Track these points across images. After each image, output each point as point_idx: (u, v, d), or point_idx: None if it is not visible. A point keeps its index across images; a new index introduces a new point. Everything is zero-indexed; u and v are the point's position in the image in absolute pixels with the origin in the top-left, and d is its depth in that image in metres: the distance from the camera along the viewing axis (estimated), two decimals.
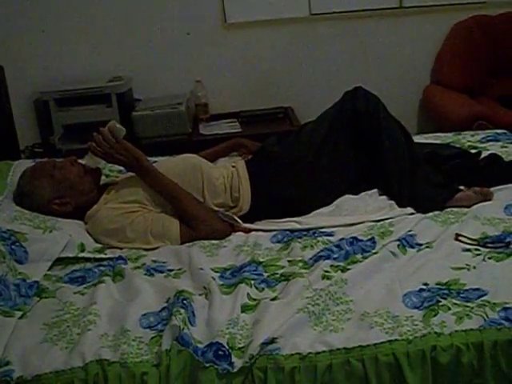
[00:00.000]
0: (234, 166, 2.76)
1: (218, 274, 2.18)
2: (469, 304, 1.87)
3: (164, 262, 2.29)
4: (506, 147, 3.06)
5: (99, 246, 2.45)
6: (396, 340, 1.76)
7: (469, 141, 3.18)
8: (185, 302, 1.95)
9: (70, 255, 2.33)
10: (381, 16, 4.47)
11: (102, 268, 2.27)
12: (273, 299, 1.99)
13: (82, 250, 2.38)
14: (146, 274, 2.21)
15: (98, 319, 1.93)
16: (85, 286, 2.18)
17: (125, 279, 2.18)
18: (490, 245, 2.18)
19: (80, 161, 2.69)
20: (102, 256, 2.36)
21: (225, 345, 1.79)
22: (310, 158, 2.69)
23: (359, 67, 4.51)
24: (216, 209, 2.59)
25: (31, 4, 4.21)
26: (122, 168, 2.87)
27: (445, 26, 4.51)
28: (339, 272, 2.09)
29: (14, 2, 4.20)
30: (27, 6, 4.21)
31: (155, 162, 2.78)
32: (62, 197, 2.55)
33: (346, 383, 1.73)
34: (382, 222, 2.43)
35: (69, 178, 2.59)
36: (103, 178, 2.86)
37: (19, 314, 1.99)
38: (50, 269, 2.26)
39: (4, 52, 3.96)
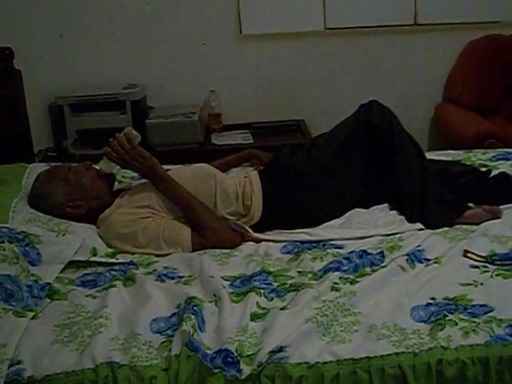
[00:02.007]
0: (246, 176, 2.79)
1: (229, 283, 2.20)
2: (475, 319, 1.89)
3: (175, 269, 2.31)
4: None
5: (111, 250, 2.48)
6: (402, 352, 1.78)
7: (479, 159, 3.19)
8: (195, 308, 1.97)
9: (82, 259, 2.36)
10: (395, 32, 4.49)
11: (113, 272, 2.29)
12: (282, 309, 2.01)
13: (94, 255, 2.40)
14: (157, 280, 2.23)
15: (109, 322, 1.95)
16: (96, 289, 2.20)
17: (136, 284, 2.21)
18: (497, 262, 2.20)
19: (94, 166, 2.72)
20: (114, 261, 2.39)
21: (233, 352, 1.82)
22: (322, 170, 2.72)
23: (372, 82, 4.53)
24: (228, 217, 2.61)
25: (50, 9, 4.26)
26: (135, 174, 2.91)
27: (458, 45, 4.53)
28: (348, 284, 2.12)
29: (33, 6, 4.24)
30: (45, 10, 4.26)
31: (168, 169, 2.80)
32: (76, 200, 2.59)
33: None
34: (391, 237, 2.45)
35: (83, 182, 2.62)
36: (116, 183, 2.90)
37: (31, 314, 2.01)
38: (62, 271, 2.28)
39: (22, 56, 4.01)
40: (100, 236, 2.55)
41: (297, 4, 4.37)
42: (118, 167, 2.71)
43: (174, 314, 2.01)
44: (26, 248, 2.25)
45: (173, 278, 2.25)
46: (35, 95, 4.27)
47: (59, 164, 2.92)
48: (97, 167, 2.71)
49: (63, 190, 2.59)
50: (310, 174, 2.72)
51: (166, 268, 2.32)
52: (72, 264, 2.34)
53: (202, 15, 4.36)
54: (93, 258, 2.38)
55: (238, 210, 2.66)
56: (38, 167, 2.99)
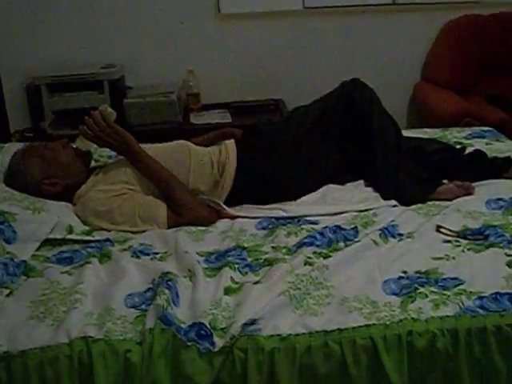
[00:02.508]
0: (223, 146, 2.77)
1: (203, 258, 2.21)
2: (446, 292, 1.92)
3: (150, 245, 2.32)
4: (490, 144, 3.12)
5: (87, 228, 2.47)
6: (374, 324, 1.81)
7: (455, 137, 3.23)
8: (169, 283, 1.99)
9: (58, 237, 2.36)
10: (374, 12, 4.50)
11: (89, 249, 2.31)
12: (255, 283, 2.03)
13: (70, 232, 2.40)
14: (132, 256, 2.24)
15: (84, 298, 1.97)
16: (72, 266, 2.21)
17: (111, 261, 2.22)
18: (470, 237, 2.23)
19: (71, 144, 2.72)
20: (90, 238, 2.39)
21: (207, 325, 1.83)
22: (299, 142, 2.72)
23: (351, 62, 4.54)
24: (202, 190, 2.62)
25: None
26: (112, 153, 2.90)
27: (437, 24, 4.54)
28: (321, 259, 2.14)
29: None
30: None
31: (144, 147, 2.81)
32: (52, 177, 2.58)
33: (324, 365, 1.78)
34: (365, 213, 2.47)
35: (59, 159, 2.62)
36: (94, 162, 2.90)
37: (6, 291, 2.02)
38: (37, 249, 2.29)
39: None
40: (76, 214, 2.54)
41: None
42: (95, 145, 2.70)
43: (148, 289, 2.02)
44: (1, 226, 2.24)
45: (148, 255, 2.26)
46: (12, 76, 4.24)
47: (36, 142, 2.91)
48: (74, 145, 2.71)
49: (40, 168, 2.59)
50: (285, 143, 2.72)
51: (141, 244, 2.33)
52: (48, 242, 2.34)
53: None
54: (69, 236, 2.38)
55: (212, 178, 2.65)
56: (14, 147, 2.98)
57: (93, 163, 2.86)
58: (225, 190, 2.63)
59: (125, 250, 2.31)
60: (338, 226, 2.34)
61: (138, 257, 2.25)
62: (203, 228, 2.45)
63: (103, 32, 4.36)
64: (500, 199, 2.51)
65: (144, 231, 2.45)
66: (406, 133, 3.10)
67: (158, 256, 2.25)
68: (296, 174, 2.68)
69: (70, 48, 4.36)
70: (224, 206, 2.55)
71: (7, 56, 4.13)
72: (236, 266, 2.13)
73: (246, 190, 2.62)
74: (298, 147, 2.72)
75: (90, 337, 1.80)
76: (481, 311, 1.84)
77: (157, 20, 4.38)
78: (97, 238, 2.40)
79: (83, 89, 4.12)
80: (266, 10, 4.40)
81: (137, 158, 2.58)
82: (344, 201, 2.58)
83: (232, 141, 2.80)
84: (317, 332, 1.80)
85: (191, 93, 4.35)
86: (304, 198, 2.63)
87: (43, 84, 4.08)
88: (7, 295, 2.02)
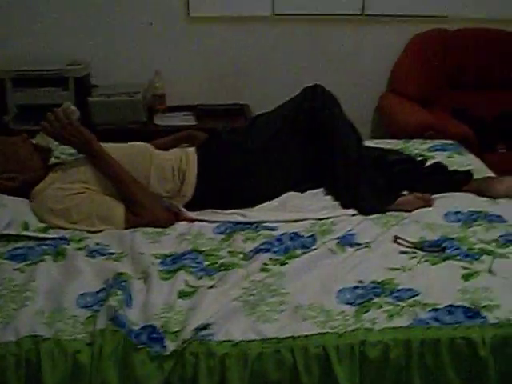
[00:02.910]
0: (183, 152, 2.76)
1: (159, 260, 2.20)
2: (400, 303, 1.92)
3: (106, 245, 2.30)
4: (452, 157, 3.13)
5: (43, 225, 2.44)
6: (327, 333, 1.80)
7: (417, 149, 3.24)
8: (123, 284, 1.97)
9: (13, 233, 2.33)
10: (343, 21, 4.50)
11: (44, 247, 2.28)
12: (210, 287, 2.02)
13: (26, 229, 2.37)
14: (87, 256, 2.22)
15: (36, 296, 1.95)
16: (25, 263, 2.18)
17: (66, 259, 2.20)
18: (426, 249, 2.24)
19: (31, 140, 2.69)
20: (45, 235, 2.36)
21: (159, 328, 1.82)
22: (259, 150, 2.71)
23: (318, 70, 4.53)
24: (163, 194, 2.60)
25: None
26: (73, 151, 2.87)
27: (405, 37, 4.55)
28: (278, 265, 2.14)
29: None
30: None
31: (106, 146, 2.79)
32: (10, 172, 2.55)
33: (275, 372, 1.77)
34: (324, 221, 2.46)
35: (18, 154, 2.58)
36: (54, 159, 2.87)
37: None
38: None
39: None
40: (33, 210, 2.51)
41: None
42: (56, 142, 2.67)
43: (101, 290, 2.00)
44: None
45: (103, 255, 2.24)
46: None
47: None
48: (34, 141, 2.68)
49: None
50: (246, 152, 2.71)
51: (97, 244, 2.31)
52: (2, 238, 2.31)
53: None
54: (24, 233, 2.35)
55: (173, 185, 2.64)
56: None
57: (53, 160, 2.82)
58: (185, 198, 2.62)
59: (80, 249, 2.28)
60: (295, 233, 2.34)
61: (93, 256, 2.23)
62: (160, 230, 2.43)
63: (71, 28, 4.31)
64: (459, 212, 2.52)
65: (101, 231, 2.42)
66: (368, 143, 3.13)
67: (113, 256, 2.24)
68: (257, 182, 2.67)
69: (38, 43, 4.29)
70: (182, 209, 2.54)
71: None
72: (191, 269, 2.12)
73: (206, 198, 2.62)
74: (259, 156, 2.70)
75: (39, 335, 1.77)
76: (435, 323, 1.84)
77: (126, 20, 4.34)
78: (52, 235, 2.37)
79: (48, 85, 4.07)
80: (236, 15, 4.38)
81: (97, 157, 2.56)
82: (303, 208, 2.58)
83: (193, 148, 2.78)
84: (269, 339, 1.79)
85: (157, 94, 4.32)
86: (264, 205, 2.62)
87: (8, 78, 4.04)
88: None
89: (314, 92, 2.77)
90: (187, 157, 2.70)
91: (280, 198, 2.66)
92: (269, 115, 2.86)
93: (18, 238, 2.33)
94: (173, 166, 2.66)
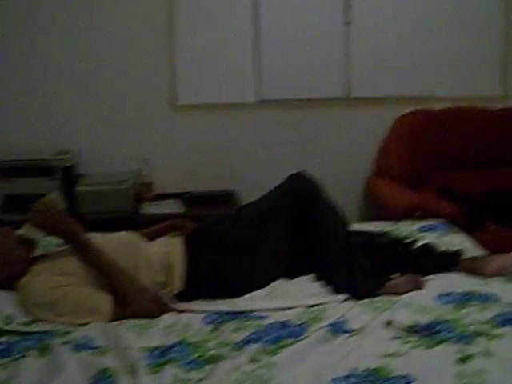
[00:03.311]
0: (171, 243, 2.76)
1: (147, 353, 2.14)
2: None
3: (92, 339, 2.24)
4: (442, 237, 3.14)
5: (28, 318, 2.40)
6: None
7: (406, 230, 3.25)
8: (109, 379, 1.92)
9: None
10: (328, 105, 4.56)
11: (28, 342, 2.23)
12: (199, 380, 1.97)
13: (9, 323, 2.33)
14: (72, 350, 2.17)
15: None
16: (9, 358, 2.13)
17: (51, 354, 2.14)
18: (420, 332, 2.20)
19: (18, 231, 2.66)
20: (28, 330, 2.32)
21: None
22: (248, 240, 2.71)
23: (305, 154, 4.57)
24: (150, 287, 2.57)
25: None
26: (60, 241, 2.85)
27: (390, 118, 4.59)
28: (268, 355, 2.08)
29: None
30: None
31: (93, 237, 2.77)
32: None
33: None
34: (314, 308, 2.43)
35: (2, 247, 2.57)
36: (39, 250, 2.85)
37: None
38: None
39: None
40: (19, 303, 2.47)
41: (230, 75, 4.42)
42: (43, 233, 2.64)
43: None
44: None
45: (89, 348, 2.18)
46: None
47: None
48: (20, 232, 2.65)
49: None
50: (234, 244, 2.72)
51: (83, 338, 2.25)
52: None
53: (138, 84, 4.38)
54: (6, 327, 2.31)
55: (160, 278, 2.62)
56: None
57: (39, 251, 2.80)
58: (173, 290, 2.60)
59: (66, 342, 2.23)
60: (286, 322, 2.30)
61: (78, 351, 2.17)
62: (148, 321, 2.38)
63: (59, 118, 4.35)
64: (451, 293, 2.50)
65: (87, 324, 2.37)
66: (357, 226, 3.13)
67: (99, 350, 2.17)
68: (245, 272, 2.66)
69: (26, 131, 4.33)
70: (171, 300, 2.51)
71: None
72: (180, 362, 2.07)
73: (194, 289, 2.60)
74: (246, 247, 2.70)
75: None
76: None
77: (114, 108, 4.39)
78: (37, 329, 2.33)
79: (35, 174, 4.07)
80: (221, 102, 4.44)
81: (83, 248, 2.54)
82: (293, 295, 2.54)
83: (180, 240, 2.78)
84: None
85: (144, 182, 4.32)
86: (253, 293, 2.59)
87: None
88: None
89: (298, 179, 2.79)
90: (175, 250, 2.69)
91: (269, 285, 2.64)
92: (255, 204, 2.88)
93: (0, 332, 2.28)
94: (160, 260, 2.65)
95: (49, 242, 3.01)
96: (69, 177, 4.11)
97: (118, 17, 4.30)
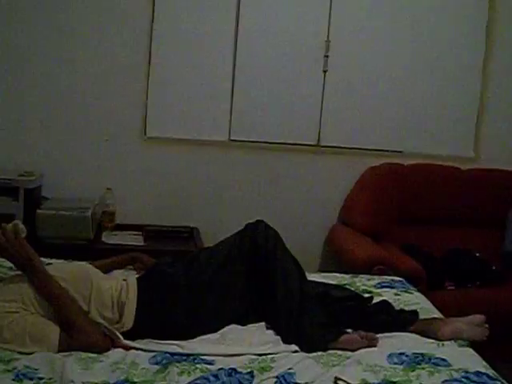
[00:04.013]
0: (125, 280, 2.74)
1: None
2: None
3: (36, 369, 2.20)
4: (399, 295, 3.11)
5: None
6: None
7: (364, 284, 3.23)
8: None
9: None
10: (298, 151, 4.57)
11: None
12: None
13: None
14: (14, 380, 2.12)
15: None
16: None
17: None
18: None
19: None
20: None
21: None
22: (201, 285, 2.71)
23: (271, 197, 4.57)
24: (99, 321, 2.53)
25: None
26: (11, 265, 2.80)
27: (359, 169, 4.63)
28: None
29: None
30: None
31: (49, 263, 2.73)
32: None
33: None
34: (263, 357, 2.40)
35: None
36: None
37: None
38: None
39: None
40: None
41: (204, 113, 4.43)
42: None
43: None
44: None
45: (32, 379, 2.14)
46: None
47: None
48: None
49: None
50: (187, 288, 2.70)
51: (26, 367, 2.21)
52: None
53: (109, 112, 4.36)
54: None
55: (111, 314, 2.59)
56: None
57: None
58: (122, 328, 2.56)
59: (8, 371, 2.18)
60: (233, 369, 2.26)
61: (20, 380, 2.13)
62: (94, 356, 2.34)
63: (26, 138, 4.31)
64: (403, 353, 2.47)
65: (32, 353, 2.33)
66: (315, 276, 3.12)
67: (41, 382, 2.13)
68: (197, 316, 2.64)
69: None
70: (120, 336, 2.48)
71: None
72: None
73: (145, 329, 2.57)
74: (201, 290, 2.70)
75: None
76: None
77: (82, 134, 4.36)
78: None
79: None
80: (193, 138, 4.44)
81: (36, 274, 2.52)
82: (244, 342, 2.52)
83: (134, 280, 2.76)
84: None
85: (107, 211, 4.28)
86: (203, 337, 2.56)
87: None
88: None
89: (256, 228, 2.80)
90: (127, 288, 2.67)
91: (221, 330, 2.61)
92: (212, 249, 2.88)
93: None
94: (112, 296, 2.62)
95: (3, 265, 2.96)
96: (32, 199, 4.05)
97: (96, 44, 4.30)
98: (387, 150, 4.68)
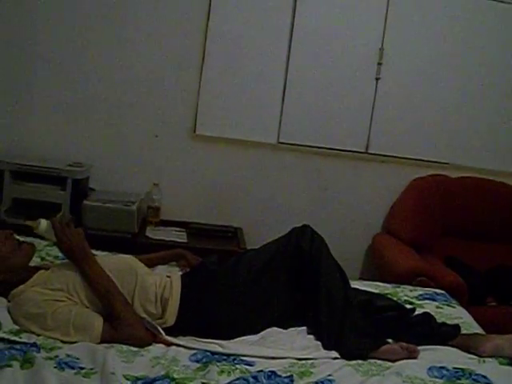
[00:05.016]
0: (168, 277, 2.75)
1: (129, 382, 2.11)
2: None
3: (78, 359, 2.22)
4: (441, 308, 3.09)
5: (16, 327, 2.38)
6: None
7: (406, 295, 3.21)
8: None
9: None
10: (346, 157, 4.55)
11: (13, 351, 2.20)
12: None
13: None
14: (56, 367, 2.15)
15: None
16: None
17: (33, 368, 2.11)
18: None
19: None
20: (16, 339, 2.29)
21: None
22: (245, 286, 2.71)
23: (317, 202, 4.56)
24: (143, 315, 2.55)
25: (7, 74, 4.24)
26: (58, 254, 2.85)
27: (405, 179, 4.60)
28: None
29: None
30: (2, 74, 4.23)
31: (94, 255, 2.76)
32: None
33: None
34: (303, 361, 2.39)
35: (0, 251, 2.56)
36: (39, 260, 2.85)
37: None
38: None
39: None
40: (9, 311, 2.46)
41: (254, 114, 4.43)
42: (54, 238, 2.63)
43: None
44: None
45: (73, 368, 2.16)
46: None
47: None
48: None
49: None
50: (231, 288, 2.71)
51: (68, 356, 2.23)
52: None
53: (160, 109, 4.38)
54: None
55: (154, 310, 2.61)
56: None
57: (38, 261, 2.81)
58: (164, 324, 2.57)
59: (50, 358, 2.21)
60: (273, 372, 2.26)
61: (62, 368, 2.15)
62: (135, 349, 2.36)
63: (78, 130, 4.36)
64: (443, 367, 2.44)
65: (74, 342, 2.35)
66: (357, 284, 3.10)
67: (82, 371, 2.15)
68: (239, 316, 2.64)
69: (43, 139, 4.33)
70: (161, 331, 2.49)
71: None
72: None
73: (186, 326, 2.58)
74: (244, 290, 2.70)
75: None
76: None
77: (133, 129, 4.39)
78: (24, 340, 2.30)
79: (47, 182, 4.05)
80: (241, 138, 4.44)
81: (88, 263, 2.56)
82: (284, 345, 2.52)
83: (178, 277, 2.77)
84: None
85: (152, 206, 4.31)
86: (244, 338, 2.57)
87: (8, 170, 4.02)
88: None
89: (302, 232, 2.80)
90: (171, 285, 2.68)
91: (262, 332, 2.62)
92: (257, 252, 2.88)
93: None
94: (156, 292, 2.64)
95: (48, 253, 3.01)
96: (79, 189, 4.10)
97: (150, 40, 4.33)
98: (434, 161, 4.64)
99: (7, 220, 3.95)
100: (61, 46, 4.28)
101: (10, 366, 2.08)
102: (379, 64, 4.45)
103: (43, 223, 2.64)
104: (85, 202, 4.01)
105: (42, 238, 2.72)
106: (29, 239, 2.81)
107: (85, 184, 4.24)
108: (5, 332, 2.32)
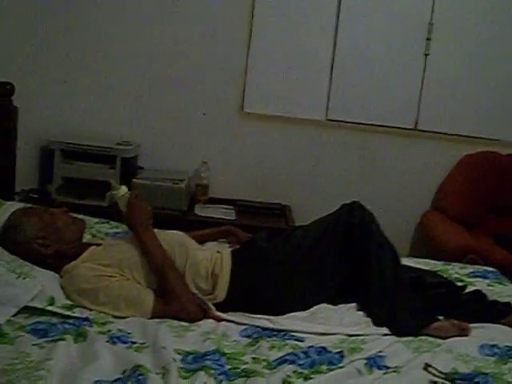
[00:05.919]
0: (219, 252, 2.76)
1: (180, 357, 2.12)
2: None
3: (129, 333, 2.25)
4: (492, 286, 3.05)
5: (69, 302, 2.42)
6: None
7: (457, 272, 3.17)
8: (140, 377, 1.91)
9: (38, 306, 2.31)
10: (395, 134, 4.51)
11: (66, 325, 2.24)
12: None
13: (51, 304, 2.34)
14: (108, 341, 2.17)
15: (49, 376, 1.89)
16: (45, 339, 2.14)
17: (86, 341, 2.15)
18: (458, 381, 2.13)
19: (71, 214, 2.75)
20: (70, 314, 2.33)
21: None
22: (295, 262, 2.71)
23: (365, 179, 4.54)
24: (193, 291, 2.56)
25: (57, 53, 4.30)
26: (109, 231, 2.88)
27: (455, 155, 4.56)
28: (301, 379, 2.04)
29: (41, 47, 4.29)
30: (53, 53, 4.30)
31: None
32: (46, 238, 2.58)
33: None
34: (354, 338, 2.38)
35: (56, 224, 2.64)
36: (90, 236, 2.89)
37: None
38: (15, 315, 2.24)
39: (23, 94, 3.95)
40: (61, 286, 2.50)
41: (302, 91, 4.41)
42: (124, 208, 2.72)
43: (117, 379, 1.93)
44: None
45: (125, 342, 2.19)
46: (29, 135, 4.19)
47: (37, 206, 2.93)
48: (72, 214, 2.75)
49: (36, 226, 2.60)
50: (281, 264, 2.71)
51: (120, 331, 2.26)
52: (26, 309, 2.29)
53: (208, 87, 4.40)
54: (49, 308, 2.32)
55: (204, 285, 2.63)
56: (15, 206, 2.99)
57: (90, 237, 2.88)
58: (214, 300, 2.59)
59: (102, 333, 2.24)
60: (323, 348, 2.26)
61: (114, 343, 2.18)
62: (186, 324, 2.38)
63: (126, 109, 4.41)
64: (495, 345, 2.41)
65: (126, 317, 2.39)
66: (407, 261, 3.08)
67: (134, 346, 2.17)
68: (289, 292, 2.64)
69: (92, 118, 4.39)
70: (212, 307, 2.51)
71: (28, 115, 4.08)
72: (212, 371, 2.04)
73: (236, 302, 2.59)
74: (293, 268, 2.70)
75: None
76: None
77: (181, 107, 4.42)
78: (77, 314, 2.34)
79: (96, 161, 4.11)
80: (289, 116, 4.43)
81: (149, 236, 2.61)
82: (334, 321, 2.51)
83: (229, 252, 2.79)
84: None
85: (201, 184, 4.33)
86: (294, 314, 2.57)
87: (58, 149, 4.09)
88: None
89: (351, 208, 2.78)
90: (222, 261, 2.69)
91: (312, 308, 2.61)
92: (307, 228, 2.88)
93: (42, 312, 2.31)
94: (207, 267, 2.66)
95: (100, 230, 3.05)
96: (128, 167, 4.14)
97: (198, 19, 4.33)
98: (484, 138, 4.57)
99: (58, 198, 4.01)
100: (109, 26, 4.32)
101: (63, 339, 2.11)
102: (428, 39, 4.38)
103: (123, 190, 2.74)
104: (134, 180, 4.04)
105: (106, 207, 2.79)
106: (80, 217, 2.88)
107: (134, 162, 4.28)
108: (58, 307, 2.35)
